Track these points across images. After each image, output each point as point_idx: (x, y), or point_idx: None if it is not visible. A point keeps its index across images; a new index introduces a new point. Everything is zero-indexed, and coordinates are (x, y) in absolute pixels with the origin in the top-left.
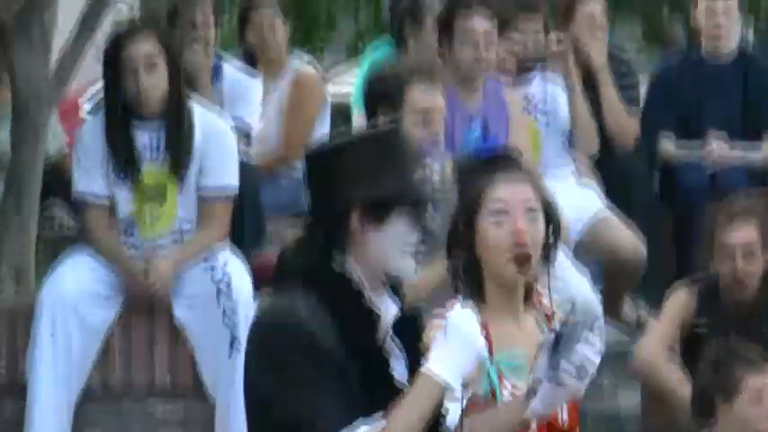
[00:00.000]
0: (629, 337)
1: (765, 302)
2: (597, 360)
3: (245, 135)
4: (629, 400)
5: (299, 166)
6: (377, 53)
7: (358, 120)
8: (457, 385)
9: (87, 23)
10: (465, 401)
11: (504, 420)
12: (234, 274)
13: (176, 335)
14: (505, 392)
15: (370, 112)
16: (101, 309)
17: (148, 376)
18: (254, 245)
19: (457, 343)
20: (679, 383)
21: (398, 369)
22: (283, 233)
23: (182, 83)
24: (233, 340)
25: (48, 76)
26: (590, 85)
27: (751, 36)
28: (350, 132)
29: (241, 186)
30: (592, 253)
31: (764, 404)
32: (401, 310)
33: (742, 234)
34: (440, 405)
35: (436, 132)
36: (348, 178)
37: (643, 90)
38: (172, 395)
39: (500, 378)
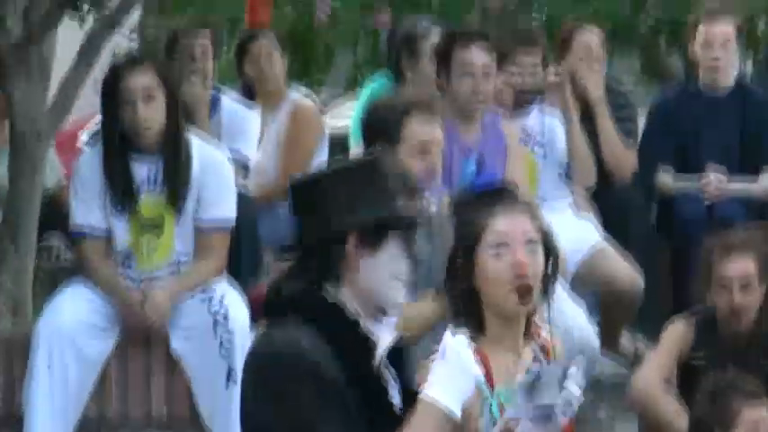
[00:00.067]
0: (626, 369)
1: (762, 334)
2: (580, 395)
3: (242, 167)
4: None
5: None
6: (375, 86)
7: (356, 152)
8: (457, 411)
9: (86, 55)
10: None
11: None
12: (231, 305)
13: (173, 366)
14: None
15: (368, 144)
16: (98, 340)
17: (145, 407)
18: (252, 276)
19: (454, 368)
20: (676, 415)
21: (395, 397)
22: (281, 264)
23: (179, 115)
24: (230, 371)
25: (46, 108)
26: (587, 117)
27: (749, 69)
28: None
29: (239, 218)
30: (589, 285)
31: None
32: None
33: (739, 266)
34: None
35: (434, 165)
36: (342, 204)
37: (641, 123)
38: (168, 427)
39: (501, 410)
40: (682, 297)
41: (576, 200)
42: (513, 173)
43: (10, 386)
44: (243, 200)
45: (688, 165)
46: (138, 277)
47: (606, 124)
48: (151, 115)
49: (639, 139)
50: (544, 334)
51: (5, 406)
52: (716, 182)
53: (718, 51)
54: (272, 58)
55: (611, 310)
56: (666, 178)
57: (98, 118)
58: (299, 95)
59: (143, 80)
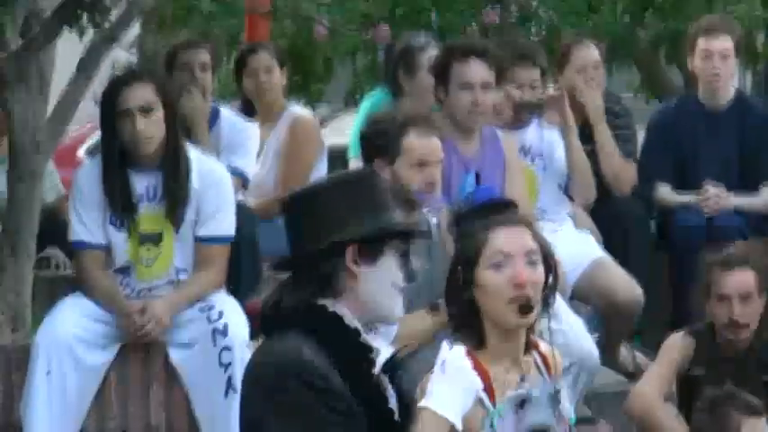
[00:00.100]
0: (626, 379)
1: (761, 347)
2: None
3: (242, 180)
4: None
5: None
6: (374, 100)
7: (355, 166)
8: (458, 422)
9: (85, 68)
10: None
11: None
12: (230, 315)
13: (172, 377)
14: None
15: (367, 159)
16: (97, 350)
17: (144, 418)
18: (251, 287)
19: (454, 381)
20: (675, 427)
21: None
22: (278, 277)
23: (178, 129)
24: (228, 382)
25: (45, 120)
26: (586, 132)
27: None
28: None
29: (239, 230)
30: (588, 297)
31: None
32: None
33: (739, 279)
34: None
35: (433, 178)
36: (340, 216)
37: (640, 137)
38: None
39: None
40: (681, 308)
41: (576, 212)
42: (512, 186)
43: (9, 396)
44: (243, 212)
45: (687, 178)
46: (137, 289)
47: (605, 139)
48: (150, 129)
49: (639, 154)
50: (543, 346)
51: (4, 416)
52: (715, 196)
53: (718, 64)
54: (272, 69)
55: (610, 321)
56: (666, 193)
57: (97, 133)
58: (298, 108)
59: (142, 94)
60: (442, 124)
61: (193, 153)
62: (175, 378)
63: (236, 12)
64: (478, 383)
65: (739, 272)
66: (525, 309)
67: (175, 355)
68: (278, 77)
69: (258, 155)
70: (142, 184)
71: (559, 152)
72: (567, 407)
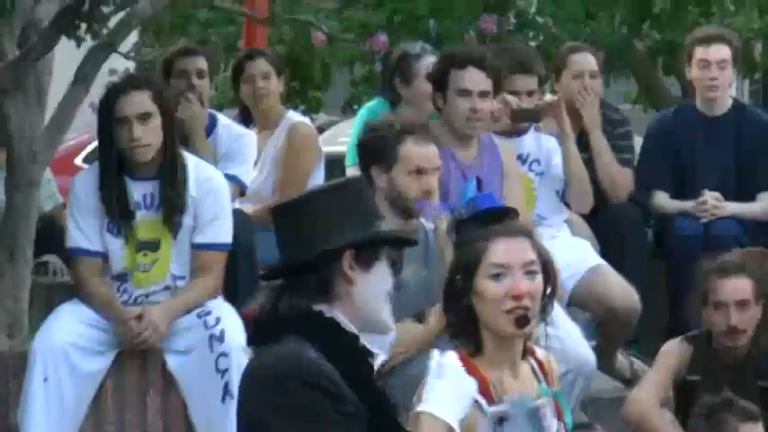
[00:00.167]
0: (623, 386)
1: (758, 354)
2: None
3: (239, 187)
4: None
5: None
6: (371, 107)
7: (353, 173)
8: (457, 427)
9: (82, 76)
10: None
11: None
12: (227, 321)
13: (168, 383)
14: None
15: (364, 167)
16: (94, 356)
17: (141, 425)
18: (249, 295)
19: (451, 385)
20: None
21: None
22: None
23: (176, 136)
24: (225, 388)
25: (42, 128)
26: (584, 140)
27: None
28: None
29: (236, 237)
30: (586, 303)
31: None
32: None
33: (735, 287)
34: None
35: (430, 185)
36: (335, 222)
37: (638, 146)
38: None
39: None
40: (678, 316)
41: (573, 218)
42: (510, 193)
43: (6, 403)
44: (241, 219)
45: (685, 186)
46: (134, 295)
47: (601, 145)
48: (147, 136)
49: (637, 162)
50: (540, 352)
51: (1, 423)
52: (712, 203)
53: (715, 73)
54: (269, 76)
55: (607, 327)
56: (663, 200)
57: (95, 142)
58: (295, 116)
59: (139, 101)
60: (440, 132)
61: (191, 160)
62: (172, 384)
63: (234, 19)
64: (474, 387)
65: (736, 279)
66: (522, 321)
67: (172, 362)
68: (275, 84)
69: (256, 162)
70: (139, 191)
71: (557, 159)
72: (553, 422)
